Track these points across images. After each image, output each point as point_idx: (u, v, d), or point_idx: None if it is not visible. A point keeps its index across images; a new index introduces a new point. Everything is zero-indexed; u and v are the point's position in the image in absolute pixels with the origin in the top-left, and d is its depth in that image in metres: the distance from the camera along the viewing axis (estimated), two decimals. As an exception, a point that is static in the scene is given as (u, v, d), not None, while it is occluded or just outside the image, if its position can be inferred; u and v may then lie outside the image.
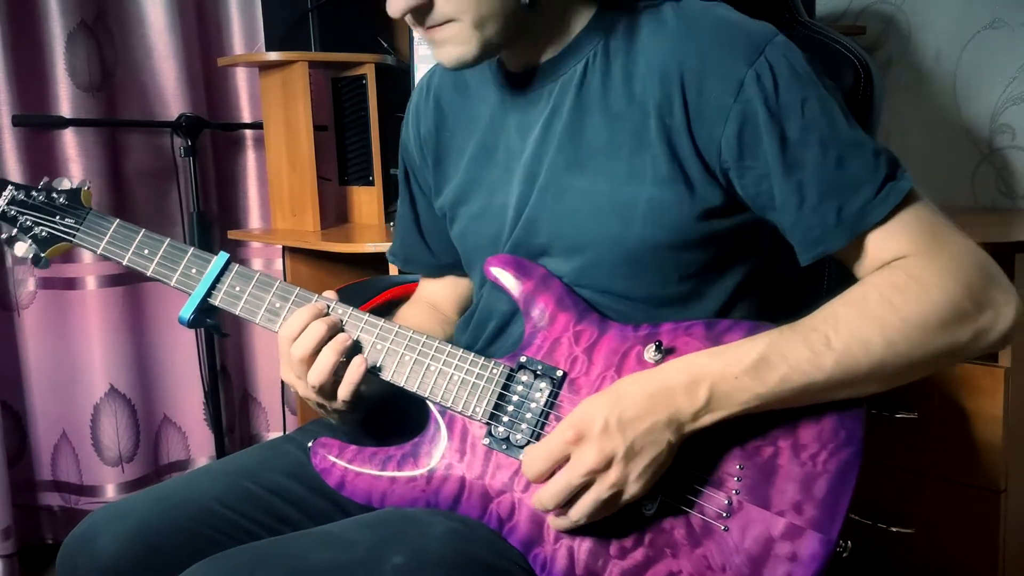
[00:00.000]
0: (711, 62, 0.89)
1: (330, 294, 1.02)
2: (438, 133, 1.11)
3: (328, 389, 0.98)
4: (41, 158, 2.11)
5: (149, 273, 1.05)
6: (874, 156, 0.88)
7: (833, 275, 1.20)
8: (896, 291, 0.85)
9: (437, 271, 1.24)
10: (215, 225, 2.38)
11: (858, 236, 0.88)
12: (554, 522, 0.89)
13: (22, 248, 1.08)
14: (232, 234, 2.29)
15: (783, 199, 0.89)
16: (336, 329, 0.98)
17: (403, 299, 1.29)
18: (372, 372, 0.99)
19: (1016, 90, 2.07)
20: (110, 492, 2.27)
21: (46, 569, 2.22)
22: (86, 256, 2.19)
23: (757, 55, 0.88)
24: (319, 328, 0.97)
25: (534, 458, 0.87)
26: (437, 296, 1.25)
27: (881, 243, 0.88)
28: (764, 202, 0.91)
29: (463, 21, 0.90)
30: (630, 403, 0.85)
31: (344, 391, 0.98)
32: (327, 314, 0.99)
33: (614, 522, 0.88)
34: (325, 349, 0.97)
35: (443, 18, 0.90)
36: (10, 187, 1.08)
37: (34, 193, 1.08)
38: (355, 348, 0.99)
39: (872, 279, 0.88)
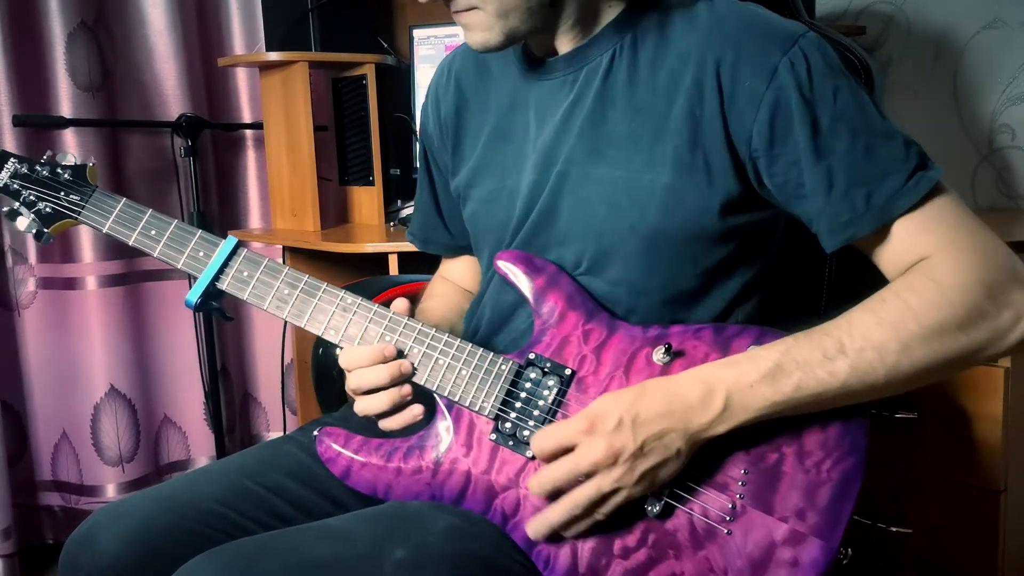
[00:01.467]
0: (745, 51, 0.90)
1: (401, 305, 1.00)
2: (458, 116, 1.12)
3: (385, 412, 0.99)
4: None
5: (155, 254, 1.03)
6: (905, 147, 0.89)
7: (834, 277, 1.21)
8: (914, 294, 0.85)
9: (456, 251, 1.25)
10: (215, 225, 2.38)
11: (885, 224, 0.88)
12: (549, 512, 0.88)
13: (24, 222, 1.06)
14: (232, 234, 2.27)
15: (812, 185, 0.89)
16: (398, 379, 0.97)
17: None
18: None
19: (1016, 90, 2.07)
20: (110, 492, 2.27)
21: (46, 569, 2.22)
22: (86, 256, 2.19)
23: (791, 45, 0.89)
24: (380, 376, 0.96)
25: (544, 435, 0.88)
26: (463, 278, 1.26)
27: (906, 234, 0.88)
28: (791, 190, 0.91)
29: (486, 10, 0.92)
30: (647, 406, 0.85)
31: (387, 426, 0.99)
32: (397, 355, 0.98)
33: (618, 521, 0.89)
34: (382, 395, 0.97)
35: (467, 5, 0.93)
36: (12, 160, 1.06)
37: (38, 167, 1.06)
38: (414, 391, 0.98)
39: (893, 283, 0.88)
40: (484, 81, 1.10)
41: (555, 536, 0.90)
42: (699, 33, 0.93)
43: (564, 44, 1.00)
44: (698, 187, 0.92)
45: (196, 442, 2.43)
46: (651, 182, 0.93)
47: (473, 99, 1.11)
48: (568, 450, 0.87)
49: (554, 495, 0.88)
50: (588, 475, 0.86)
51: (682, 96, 0.92)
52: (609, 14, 0.98)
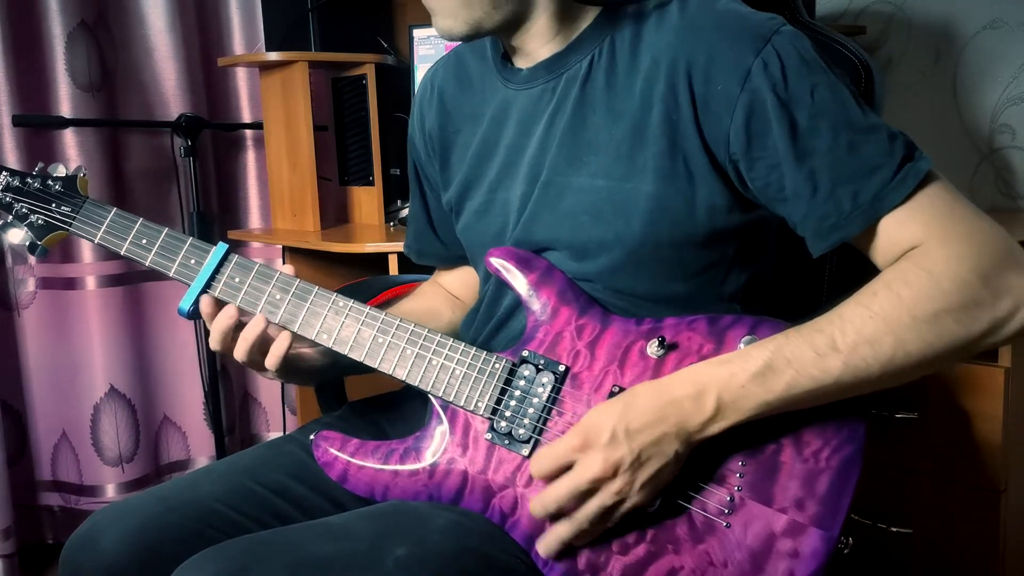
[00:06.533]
0: (717, 53, 0.88)
1: (288, 269, 1.03)
2: (442, 129, 1.12)
3: (257, 362, 1.01)
4: (41, 158, 2.09)
5: (147, 263, 1.03)
6: (889, 139, 0.86)
7: (834, 277, 1.21)
8: (906, 286, 0.83)
9: (451, 262, 1.25)
10: (215, 225, 2.38)
11: (874, 222, 0.86)
12: (558, 529, 0.88)
13: (17, 236, 1.06)
14: (232, 234, 2.29)
15: (795, 188, 0.87)
16: (234, 319, 0.99)
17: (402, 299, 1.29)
18: (371, 366, 0.99)
19: (1016, 90, 2.07)
20: (110, 492, 2.27)
21: (46, 569, 2.22)
22: (86, 256, 2.19)
23: (764, 44, 0.87)
24: (221, 323, 0.99)
25: (541, 457, 0.87)
26: (452, 286, 1.26)
27: (898, 227, 0.85)
28: (774, 193, 0.89)
29: None
30: (638, 413, 0.85)
31: (271, 362, 1.00)
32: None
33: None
34: (240, 341, 0.99)
35: None
36: (4, 173, 1.06)
37: (29, 180, 1.06)
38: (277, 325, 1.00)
39: (883, 274, 0.85)
40: (467, 94, 1.09)
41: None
42: (671, 35, 0.92)
43: (543, 51, 0.99)
44: (682, 194, 0.92)
45: (196, 442, 2.43)
46: (634, 191, 0.93)
47: (456, 112, 1.10)
48: (567, 468, 0.86)
49: (558, 514, 0.87)
50: (590, 490, 0.85)
51: (658, 102, 0.91)
52: (586, 18, 0.97)
